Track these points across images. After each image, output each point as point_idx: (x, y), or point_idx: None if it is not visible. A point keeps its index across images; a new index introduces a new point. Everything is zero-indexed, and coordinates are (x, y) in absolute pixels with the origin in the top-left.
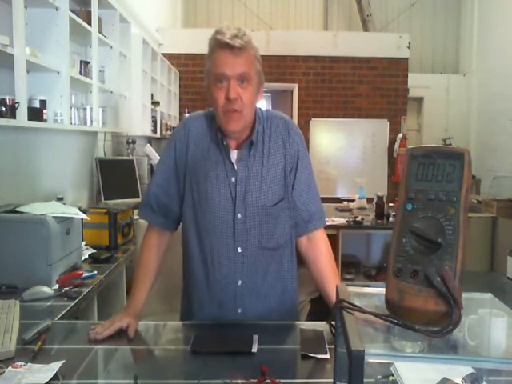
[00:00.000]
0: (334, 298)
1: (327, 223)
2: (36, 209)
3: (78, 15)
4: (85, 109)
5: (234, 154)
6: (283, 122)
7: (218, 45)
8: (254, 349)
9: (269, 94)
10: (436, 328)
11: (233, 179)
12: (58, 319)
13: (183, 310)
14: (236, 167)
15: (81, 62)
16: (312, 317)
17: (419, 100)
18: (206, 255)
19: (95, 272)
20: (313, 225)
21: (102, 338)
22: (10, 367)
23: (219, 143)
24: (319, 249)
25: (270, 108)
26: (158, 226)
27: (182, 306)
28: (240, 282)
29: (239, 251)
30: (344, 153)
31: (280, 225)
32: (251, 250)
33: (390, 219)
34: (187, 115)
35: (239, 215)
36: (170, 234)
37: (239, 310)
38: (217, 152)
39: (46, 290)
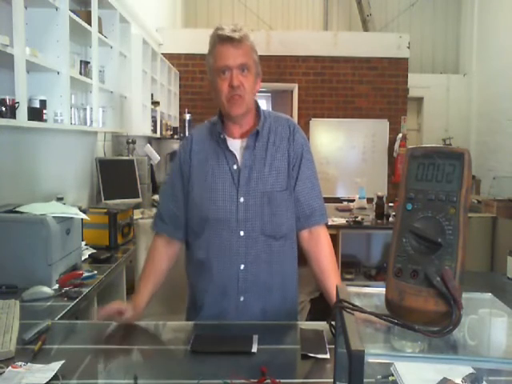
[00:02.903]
0: (333, 295)
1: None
2: (36, 209)
3: (78, 15)
4: (85, 109)
5: (234, 144)
6: (289, 123)
7: (219, 39)
8: (254, 349)
9: (269, 94)
10: (436, 328)
11: (234, 166)
12: (58, 319)
13: (188, 305)
14: (237, 155)
15: (81, 61)
16: (312, 317)
17: (419, 100)
18: (210, 240)
19: (95, 272)
20: (314, 219)
21: (101, 318)
22: (10, 367)
23: (218, 137)
24: (321, 244)
25: (271, 109)
26: (166, 234)
27: (187, 302)
28: (242, 266)
29: (242, 235)
30: (344, 153)
31: (282, 215)
32: (254, 235)
33: (390, 219)
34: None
35: (242, 199)
36: (179, 246)
37: (241, 298)
38: (216, 145)
39: (46, 290)
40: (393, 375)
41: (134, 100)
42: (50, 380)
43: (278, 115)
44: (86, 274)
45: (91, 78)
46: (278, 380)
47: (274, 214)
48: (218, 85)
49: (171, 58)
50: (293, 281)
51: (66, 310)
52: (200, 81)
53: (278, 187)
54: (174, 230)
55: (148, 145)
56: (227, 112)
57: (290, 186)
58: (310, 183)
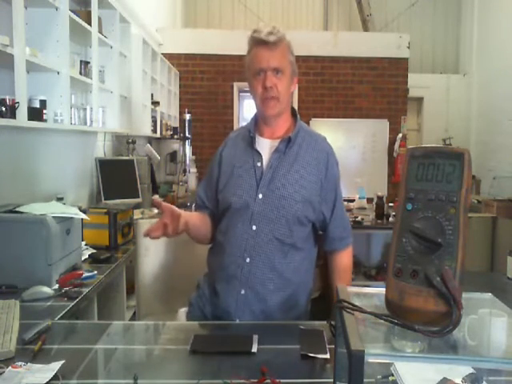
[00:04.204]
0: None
1: None
2: (36, 209)
3: (78, 15)
4: (85, 109)
5: (263, 143)
6: (324, 143)
7: (256, 42)
8: (254, 349)
9: None
10: (436, 328)
11: (258, 164)
12: (58, 319)
13: (199, 293)
14: (263, 154)
15: (81, 61)
16: (312, 317)
17: (419, 100)
18: (228, 228)
19: (95, 272)
20: (345, 241)
21: (156, 235)
22: (10, 367)
23: (248, 136)
24: (343, 263)
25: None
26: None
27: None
28: (248, 259)
29: (254, 229)
30: (344, 153)
31: (293, 223)
32: (264, 232)
33: (390, 219)
34: None
35: (260, 195)
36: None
37: (242, 291)
38: (246, 142)
39: (46, 290)
40: (393, 375)
41: (134, 100)
42: (49, 380)
43: (314, 132)
44: (86, 274)
45: (91, 78)
46: (278, 380)
47: (287, 219)
48: (254, 85)
49: (171, 57)
50: (301, 292)
51: (66, 310)
52: (200, 81)
53: (297, 197)
54: (209, 211)
55: (148, 145)
56: (261, 113)
57: (307, 204)
58: (342, 207)
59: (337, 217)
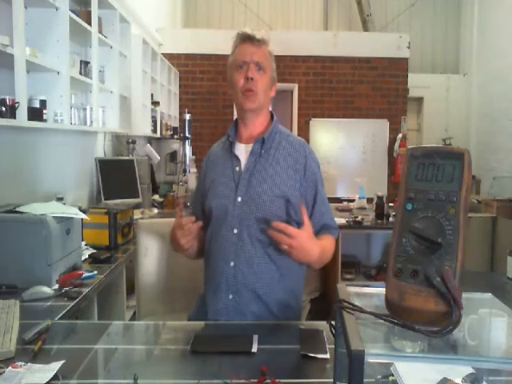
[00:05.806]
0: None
1: None
2: (36, 209)
3: (77, 15)
4: (85, 109)
5: (240, 148)
6: (302, 146)
7: (241, 38)
8: (254, 349)
9: None
10: (436, 328)
11: (237, 168)
12: (58, 319)
13: (197, 302)
14: (241, 159)
15: (81, 61)
16: (312, 317)
17: (419, 100)
18: (212, 235)
19: (95, 272)
20: (323, 232)
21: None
22: (10, 367)
23: (228, 143)
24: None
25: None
26: None
27: (197, 299)
28: (232, 263)
29: (234, 232)
30: (344, 153)
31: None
32: (246, 234)
33: (390, 219)
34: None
35: (239, 198)
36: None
37: (230, 296)
38: (225, 149)
39: (46, 290)
40: (393, 375)
41: (134, 100)
42: (49, 380)
43: (293, 136)
44: (85, 274)
45: (91, 78)
46: (277, 380)
47: (265, 220)
48: (235, 78)
49: (171, 58)
50: (290, 294)
51: (66, 310)
52: (200, 81)
53: (276, 193)
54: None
55: (148, 145)
56: (241, 105)
57: (286, 202)
58: (324, 203)
59: (318, 212)
